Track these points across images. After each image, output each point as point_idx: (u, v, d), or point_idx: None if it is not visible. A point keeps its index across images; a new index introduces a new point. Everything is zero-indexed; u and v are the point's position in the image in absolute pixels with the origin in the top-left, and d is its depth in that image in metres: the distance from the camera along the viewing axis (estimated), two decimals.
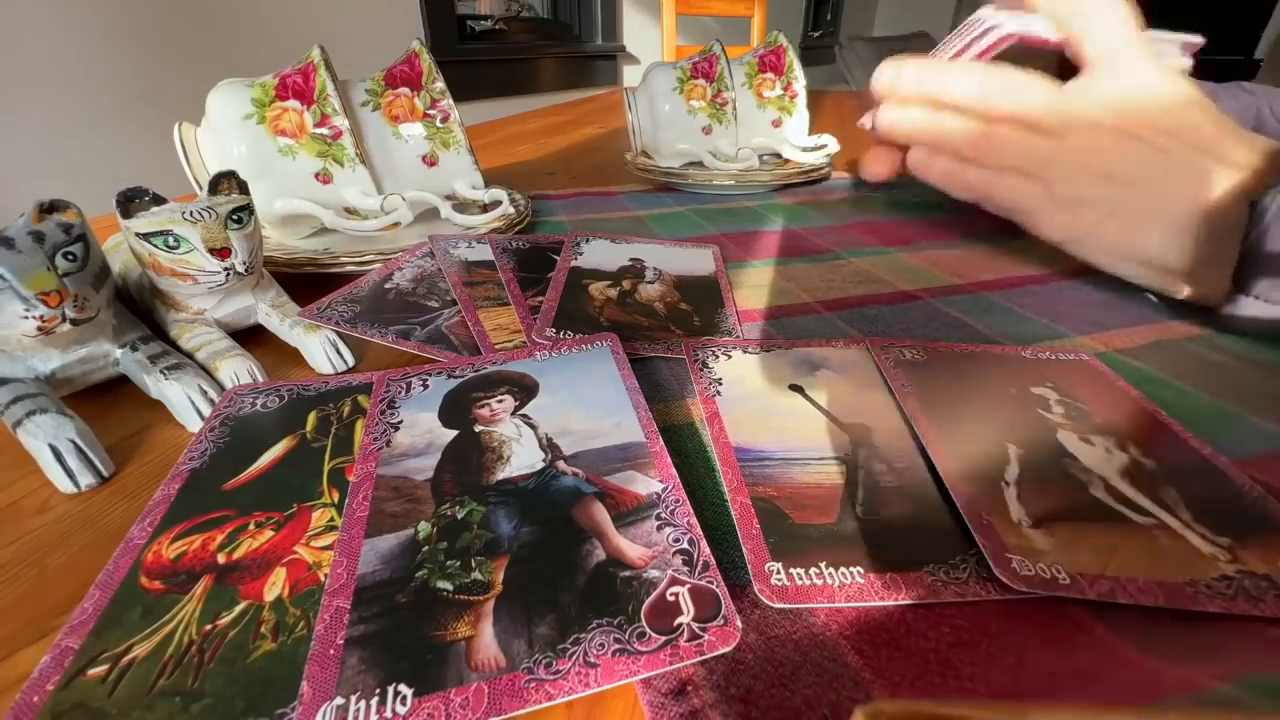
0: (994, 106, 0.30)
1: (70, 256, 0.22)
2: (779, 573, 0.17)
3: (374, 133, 0.40)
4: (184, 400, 0.24)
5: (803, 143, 0.60)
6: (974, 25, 0.35)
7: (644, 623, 0.15)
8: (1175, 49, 0.34)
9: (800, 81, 0.59)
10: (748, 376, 0.25)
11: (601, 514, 0.18)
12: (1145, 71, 0.28)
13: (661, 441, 0.21)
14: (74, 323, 0.22)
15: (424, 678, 0.14)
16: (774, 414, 0.23)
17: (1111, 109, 0.28)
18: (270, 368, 0.27)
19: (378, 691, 0.14)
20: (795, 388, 0.25)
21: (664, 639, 0.15)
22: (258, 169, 0.35)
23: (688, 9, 1.52)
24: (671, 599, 0.16)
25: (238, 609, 0.16)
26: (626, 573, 0.16)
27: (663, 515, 0.18)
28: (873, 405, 0.24)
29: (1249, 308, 0.28)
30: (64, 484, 0.21)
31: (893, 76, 0.33)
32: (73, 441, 0.21)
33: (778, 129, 0.60)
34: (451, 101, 0.41)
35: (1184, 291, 0.30)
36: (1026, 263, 0.39)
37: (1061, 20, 0.31)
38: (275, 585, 0.16)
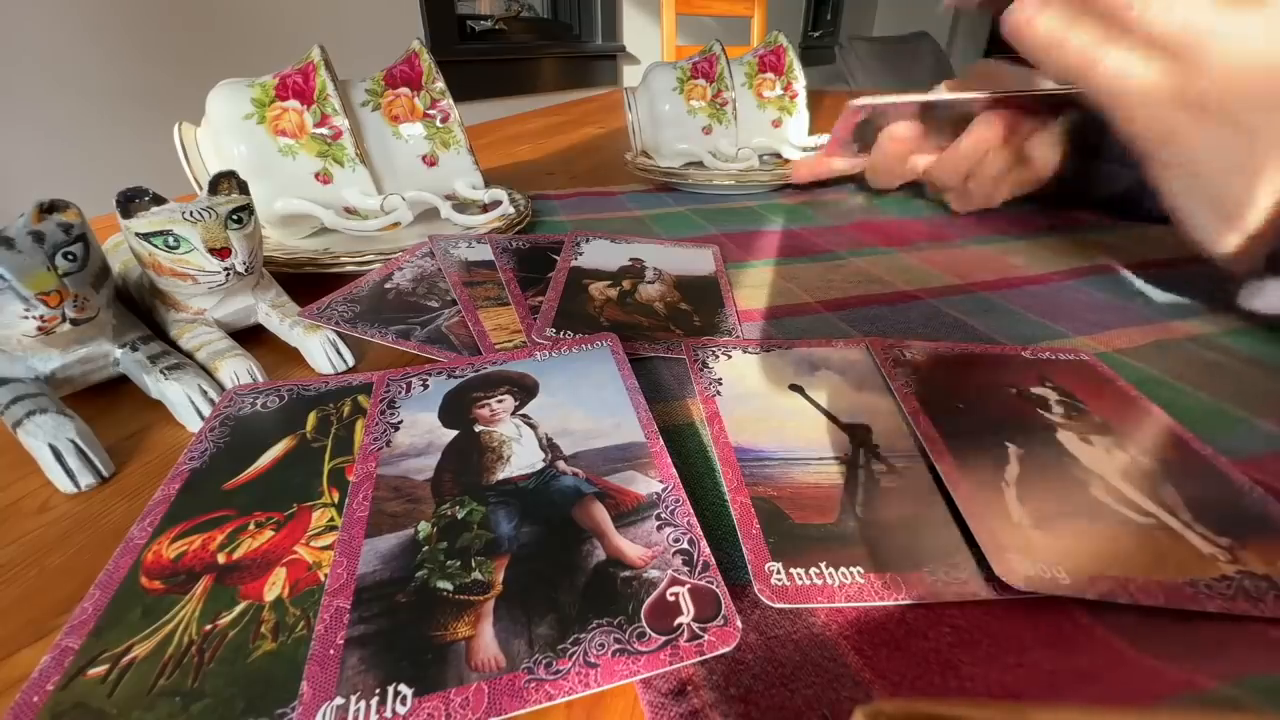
0: (1194, 53, 0.24)
1: (70, 256, 0.22)
2: (779, 573, 0.17)
3: (374, 133, 0.40)
4: (184, 400, 0.24)
5: (803, 143, 0.59)
6: None
7: (644, 623, 0.15)
8: None
9: (800, 81, 0.59)
10: (748, 376, 0.25)
11: (601, 514, 0.18)
12: None
13: (661, 441, 0.21)
14: (74, 323, 0.22)
15: (424, 678, 0.14)
16: (774, 414, 0.23)
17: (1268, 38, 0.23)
18: (270, 368, 0.27)
19: (378, 691, 0.14)
20: (795, 388, 0.25)
21: (664, 639, 0.15)
22: (258, 169, 0.35)
23: (688, 9, 1.52)
24: (671, 599, 0.16)
25: (238, 609, 0.16)
26: (626, 573, 0.16)
27: (663, 515, 0.18)
28: (873, 405, 0.24)
29: (1273, 292, 0.26)
30: (64, 484, 0.21)
31: None
32: (73, 441, 0.21)
33: (778, 129, 0.60)
34: (451, 101, 0.41)
35: (1229, 245, 0.27)
36: (1026, 263, 0.39)
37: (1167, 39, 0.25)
38: (275, 585, 0.16)
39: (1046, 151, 0.38)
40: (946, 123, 0.38)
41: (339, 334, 0.28)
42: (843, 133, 0.39)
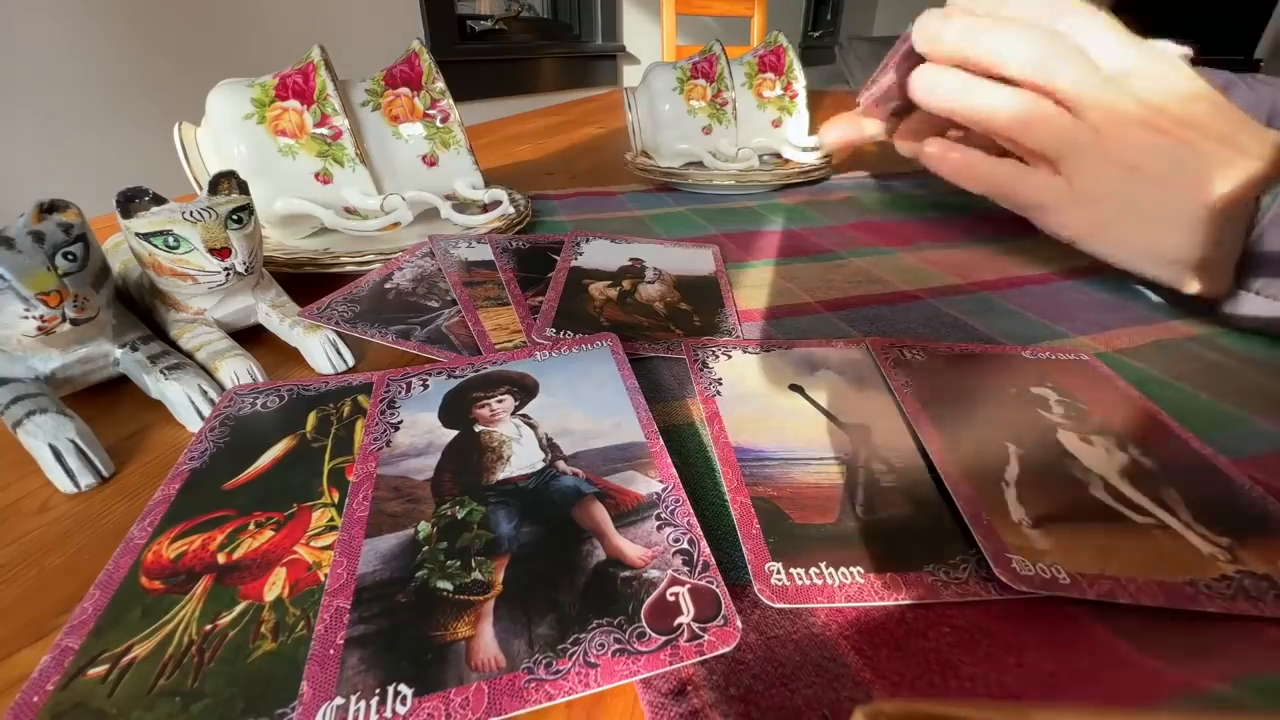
0: (1050, 80, 0.27)
1: (70, 256, 0.22)
2: (779, 573, 0.17)
3: (374, 133, 0.40)
4: (184, 400, 0.24)
5: (803, 143, 0.59)
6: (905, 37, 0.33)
7: (644, 623, 0.15)
8: None
9: (800, 81, 0.59)
10: (748, 376, 0.25)
11: (601, 514, 0.18)
12: (1161, 65, 0.27)
13: (661, 441, 0.21)
14: (74, 323, 0.22)
15: (424, 678, 0.14)
16: (774, 414, 0.23)
17: (1139, 100, 0.27)
18: (270, 368, 0.27)
19: (378, 691, 0.14)
20: (795, 388, 0.25)
21: (664, 639, 0.15)
22: (258, 169, 0.35)
23: (688, 9, 1.52)
24: (671, 599, 0.16)
25: (238, 609, 0.16)
26: (626, 573, 0.16)
27: (663, 515, 0.18)
28: (873, 405, 0.24)
29: (1250, 303, 0.28)
30: (64, 484, 0.21)
31: (938, 30, 0.29)
32: (73, 441, 0.21)
33: (778, 129, 0.60)
34: (451, 101, 0.41)
35: (1193, 287, 0.30)
36: (1026, 263, 0.39)
37: (1032, 73, 0.28)
38: (275, 585, 0.16)
39: None
40: None
41: (339, 334, 0.28)
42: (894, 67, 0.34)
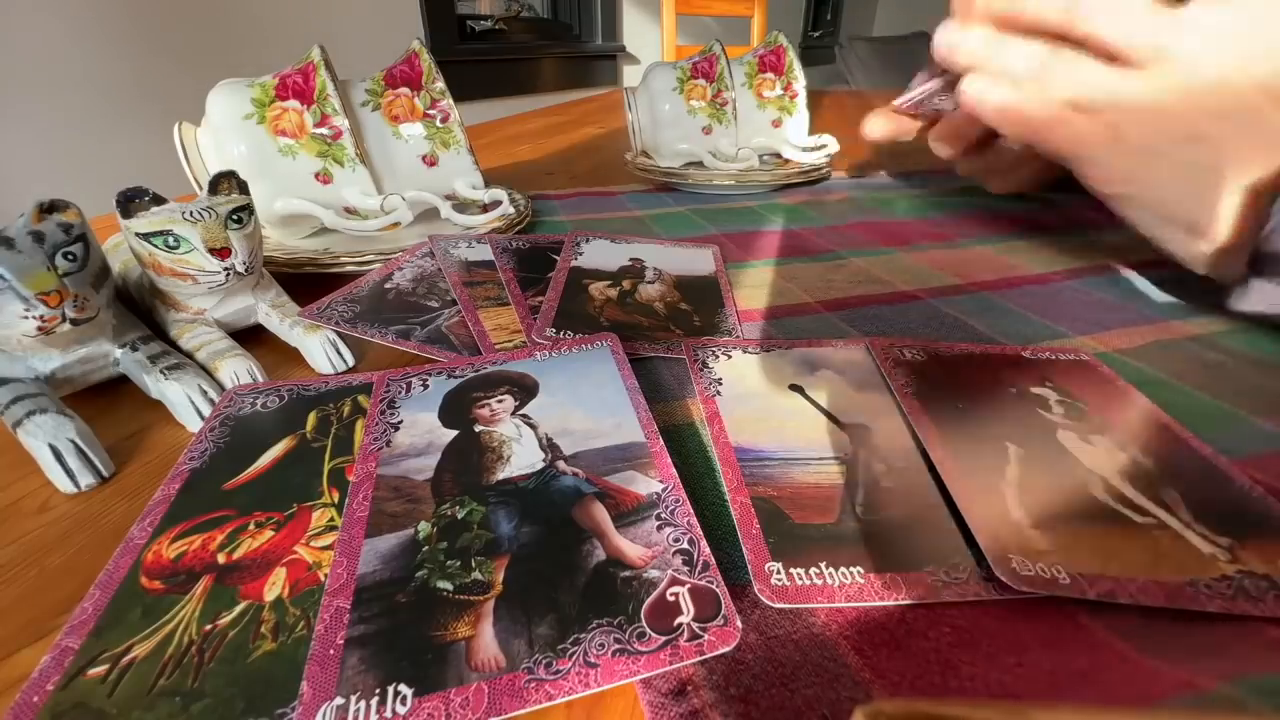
0: (1081, 23, 0.26)
1: (70, 256, 0.22)
2: (779, 573, 0.17)
3: (374, 133, 0.40)
4: (184, 400, 0.24)
5: (803, 143, 0.59)
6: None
7: (644, 623, 0.15)
8: None
9: (800, 81, 0.59)
10: (748, 376, 0.25)
11: (601, 514, 0.18)
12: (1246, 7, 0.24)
13: (661, 441, 0.21)
14: (74, 323, 0.22)
15: (424, 678, 0.14)
16: (774, 414, 0.23)
17: (1214, 47, 0.24)
18: (270, 368, 0.27)
19: (378, 691, 0.14)
20: (795, 388, 0.25)
21: (664, 639, 0.15)
22: (258, 169, 0.35)
23: (688, 9, 1.52)
24: (671, 599, 0.16)
25: (238, 609, 0.16)
26: (626, 573, 0.16)
27: (663, 515, 0.18)
28: (873, 405, 0.24)
29: (1261, 292, 0.27)
30: (64, 484, 0.21)
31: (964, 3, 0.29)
32: (73, 441, 0.21)
33: (778, 129, 0.60)
34: (451, 101, 0.41)
35: (1210, 264, 0.28)
36: (1026, 263, 0.39)
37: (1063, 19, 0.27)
38: (275, 585, 0.16)
39: None
40: None
41: (339, 334, 0.28)
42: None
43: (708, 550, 0.17)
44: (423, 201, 0.41)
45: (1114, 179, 0.29)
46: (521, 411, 0.23)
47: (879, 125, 0.41)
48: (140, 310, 0.28)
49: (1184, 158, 0.26)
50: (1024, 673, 0.15)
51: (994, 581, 0.16)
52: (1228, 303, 0.29)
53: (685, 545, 0.17)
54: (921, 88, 0.37)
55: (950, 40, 0.30)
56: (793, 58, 0.59)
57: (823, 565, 0.17)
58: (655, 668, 0.14)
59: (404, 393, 0.24)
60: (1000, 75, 0.29)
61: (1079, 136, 0.28)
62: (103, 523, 0.20)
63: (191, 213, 0.25)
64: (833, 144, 0.59)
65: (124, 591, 0.16)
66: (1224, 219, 0.27)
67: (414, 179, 0.41)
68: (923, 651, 0.15)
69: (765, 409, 0.23)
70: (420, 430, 0.22)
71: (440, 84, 0.41)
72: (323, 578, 0.16)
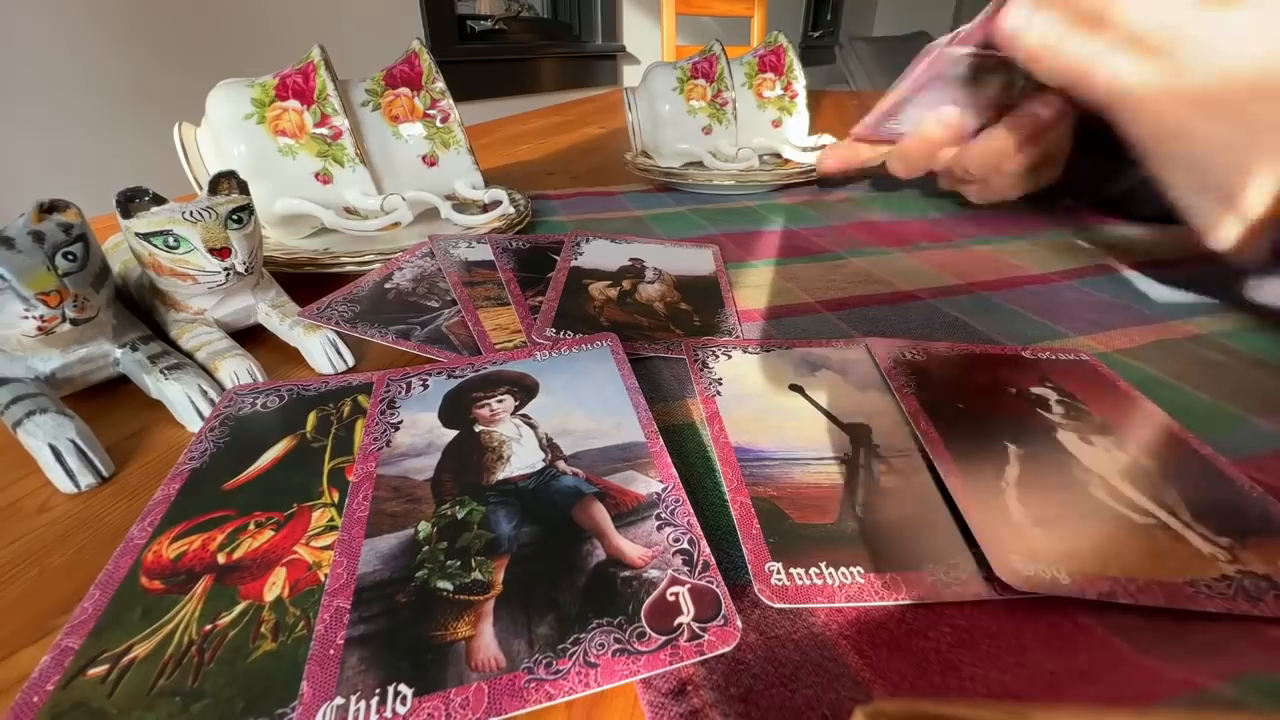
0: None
1: (70, 256, 0.22)
2: (779, 573, 0.17)
3: (374, 133, 0.40)
4: (184, 400, 0.24)
5: (803, 143, 0.59)
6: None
7: (644, 623, 0.15)
8: None
9: (800, 81, 0.59)
10: (748, 376, 0.25)
11: (601, 514, 0.18)
12: None
13: (661, 441, 0.21)
14: (74, 323, 0.22)
15: (424, 678, 0.14)
16: (774, 414, 0.23)
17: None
18: (270, 368, 0.27)
19: (378, 691, 0.14)
20: (795, 388, 0.25)
21: (664, 639, 0.15)
22: (258, 169, 0.35)
23: (688, 9, 1.52)
24: (671, 599, 0.16)
25: (238, 609, 0.16)
26: (626, 573, 0.16)
27: (663, 515, 0.18)
28: (873, 405, 0.24)
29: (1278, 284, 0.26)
30: (64, 484, 0.21)
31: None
32: (73, 441, 0.21)
33: (778, 129, 0.60)
34: (451, 101, 0.41)
35: (1235, 245, 0.26)
36: (1026, 263, 0.39)
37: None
38: (275, 585, 0.16)
39: (1063, 145, 0.38)
40: (985, 99, 0.36)
41: (339, 334, 0.28)
42: (916, 82, 0.34)
43: (708, 550, 0.17)
44: (423, 201, 0.41)
45: (1158, 132, 0.26)
46: (521, 411, 0.23)
47: (832, 158, 0.42)
48: (140, 310, 0.28)
49: (1254, 114, 0.24)
50: (1024, 673, 0.15)
51: (994, 581, 0.16)
52: (1244, 291, 0.28)
53: (685, 545, 0.17)
54: (882, 106, 0.37)
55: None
56: (793, 58, 0.59)
57: (823, 565, 0.17)
58: (655, 668, 0.14)
59: (404, 393, 0.24)
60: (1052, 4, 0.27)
61: (1127, 76, 0.26)
62: (103, 523, 0.20)
63: (191, 213, 0.25)
64: (833, 144, 0.59)
65: (124, 591, 0.16)
66: (1257, 194, 0.25)
67: (414, 179, 0.41)
68: (923, 651, 0.15)
69: (765, 409, 0.23)
70: (420, 430, 0.22)
71: (440, 84, 0.41)
72: (323, 578, 0.16)
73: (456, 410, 0.23)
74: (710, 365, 0.26)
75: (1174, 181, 0.28)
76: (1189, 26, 0.24)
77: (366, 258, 0.35)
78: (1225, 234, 0.27)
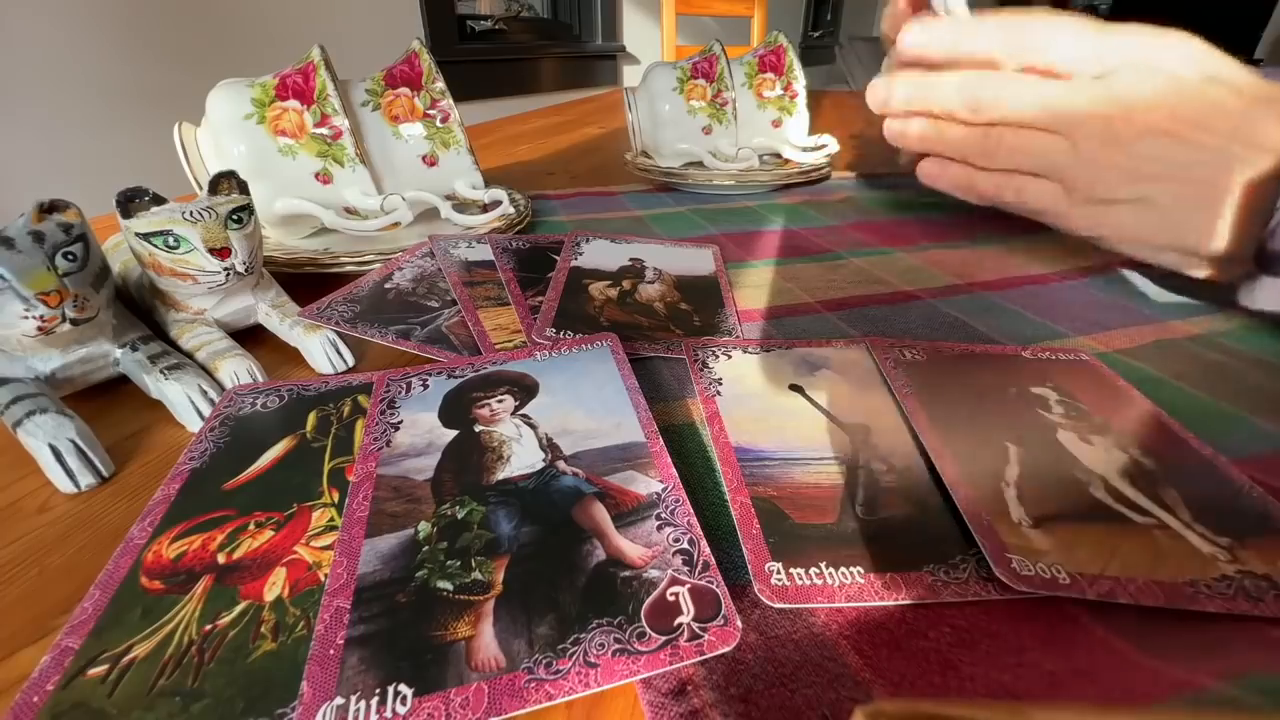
0: (986, 116, 0.29)
1: (70, 256, 0.22)
2: (779, 573, 0.17)
3: (374, 133, 0.40)
4: (184, 400, 0.24)
5: (803, 143, 0.60)
6: None
7: (644, 623, 0.15)
8: None
9: (800, 81, 0.59)
10: (748, 376, 0.25)
11: (601, 514, 0.18)
12: (1155, 49, 0.26)
13: (661, 441, 0.21)
14: (74, 323, 0.22)
15: (424, 678, 0.14)
16: (774, 414, 0.23)
17: (1122, 102, 0.26)
18: (270, 368, 0.27)
19: (378, 691, 0.14)
20: (795, 388, 0.25)
21: (664, 639, 0.15)
22: (258, 169, 0.35)
23: (688, 9, 1.52)
24: (671, 599, 0.16)
25: (238, 609, 0.16)
26: (626, 573, 0.16)
27: (663, 515, 0.18)
28: (873, 405, 0.24)
29: (1273, 289, 0.27)
30: (64, 484, 0.21)
31: (884, 97, 0.32)
32: (73, 441, 0.21)
33: (778, 129, 0.60)
34: (451, 101, 0.41)
35: (1206, 273, 0.29)
36: (1026, 263, 0.39)
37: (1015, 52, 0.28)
38: (275, 585, 0.16)
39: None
40: None
41: (339, 334, 0.28)
42: None
43: (708, 550, 0.17)
44: (423, 201, 0.41)
45: (1081, 225, 0.30)
46: (521, 411, 0.23)
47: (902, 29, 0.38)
48: (140, 310, 0.28)
49: (1139, 196, 0.28)
50: (1024, 673, 0.15)
51: (994, 581, 0.16)
52: (1237, 298, 0.28)
53: (685, 545, 0.17)
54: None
55: (896, 129, 0.33)
56: (793, 58, 0.59)
57: (823, 565, 0.17)
58: (655, 668, 0.14)
59: (404, 393, 0.24)
60: (952, 155, 0.32)
61: (1035, 197, 0.30)
62: (103, 523, 0.20)
63: (191, 213, 0.25)
64: (833, 144, 0.59)
65: (124, 591, 0.16)
66: (1206, 236, 0.27)
67: (414, 179, 0.41)
68: (923, 651, 0.15)
69: (765, 409, 0.23)
70: (420, 430, 0.22)
71: (440, 84, 0.41)
72: (323, 578, 0.16)
73: (456, 410, 0.23)
74: (710, 365, 0.26)
75: (1130, 251, 0.31)
76: (1066, 100, 0.27)
77: (366, 258, 0.35)
78: (1198, 272, 0.29)
